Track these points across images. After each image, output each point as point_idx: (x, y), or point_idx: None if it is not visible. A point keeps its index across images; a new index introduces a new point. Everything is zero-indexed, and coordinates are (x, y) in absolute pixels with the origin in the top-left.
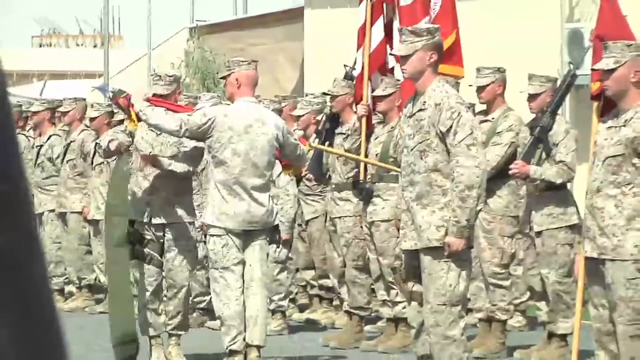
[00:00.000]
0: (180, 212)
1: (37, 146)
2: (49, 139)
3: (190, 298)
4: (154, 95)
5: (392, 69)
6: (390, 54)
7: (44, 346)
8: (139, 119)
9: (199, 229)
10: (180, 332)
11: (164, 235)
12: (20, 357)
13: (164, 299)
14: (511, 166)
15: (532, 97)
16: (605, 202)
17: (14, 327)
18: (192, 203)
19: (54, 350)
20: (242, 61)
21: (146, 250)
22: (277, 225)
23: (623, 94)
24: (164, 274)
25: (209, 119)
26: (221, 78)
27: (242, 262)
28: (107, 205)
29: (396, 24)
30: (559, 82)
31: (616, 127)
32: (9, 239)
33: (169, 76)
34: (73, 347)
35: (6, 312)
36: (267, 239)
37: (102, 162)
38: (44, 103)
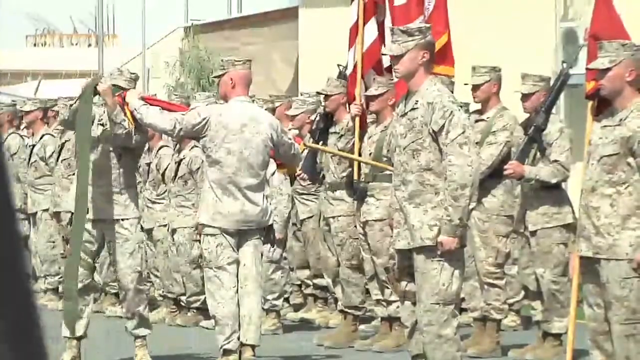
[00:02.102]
0: (121, 209)
1: (30, 146)
2: (41, 138)
3: (185, 297)
4: (121, 88)
5: (390, 67)
6: (383, 54)
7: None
8: (134, 118)
9: (194, 229)
10: (143, 333)
11: (103, 235)
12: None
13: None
14: (505, 166)
15: (525, 97)
16: (600, 201)
17: None
18: (136, 198)
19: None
20: (237, 61)
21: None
22: (272, 224)
23: (618, 93)
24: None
25: (204, 119)
26: (215, 77)
27: (237, 262)
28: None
29: (387, 24)
30: (552, 82)
31: (611, 126)
32: None
33: (131, 73)
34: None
35: None
36: (262, 238)
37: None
38: (36, 102)
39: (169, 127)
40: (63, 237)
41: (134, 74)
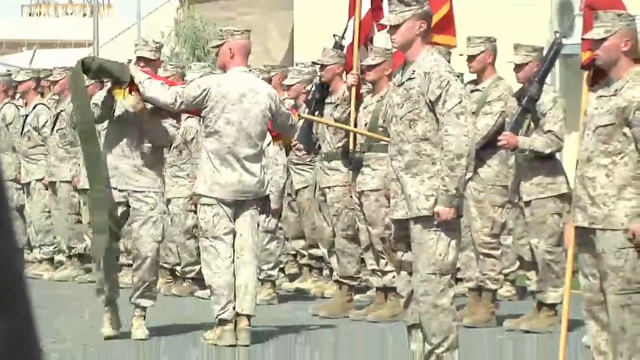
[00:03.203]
0: (146, 181)
1: (23, 116)
2: (34, 108)
3: (180, 267)
4: (139, 59)
5: (372, 38)
6: (379, 23)
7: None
8: (137, 90)
9: (188, 199)
10: (145, 304)
11: (128, 205)
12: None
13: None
14: (499, 137)
15: (518, 67)
16: (596, 171)
17: None
18: (161, 174)
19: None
20: (235, 30)
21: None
22: (268, 195)
23: (614, 63)
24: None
25: (204, 90)
26: (213, 47)
27: (233, 232)
28: (90, 193)
29: None
30: (545, 52)
31: (607, 96)
32: None
33: (156, 42)
34: (62, 315)
35: None
36: (258, 208)
37: None
38: (29, 72)
39: (170, 101)
40: (82, 203)
41: (158, 43)
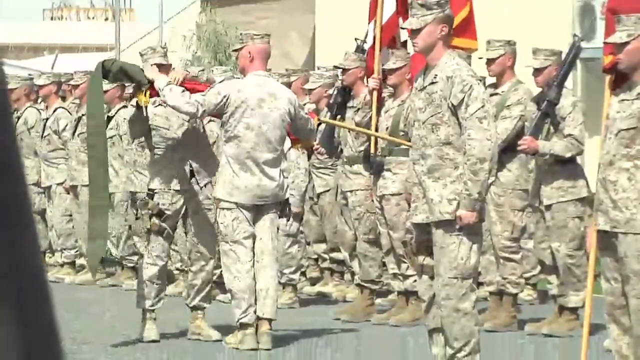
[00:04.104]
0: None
1: (43, 119)
2: (54, 111)
3: None
4: (155, 65)
5: (405, 42)
6: (402, 28)
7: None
8: (158, 96)
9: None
10: (206, 305)
11: (185, 208)
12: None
13: (190, 271)
14: (519, 142)
15: (537, 71)
16: (618, 175)
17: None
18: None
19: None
20: (255, 34)
21: (163, 224)
22: (288, 198)
23: (636, 67)
24: (179, 247)
25: (224, 96)
26: (234, 51)
27: (253, 236)
28: (90, 179)
29: None
30: (564, 55)
31: (629, 100)
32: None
33: (162, 47)
34: (83, 319)
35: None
36: (278, 212)
37: (114, 135)
38: (50, 76)
39: (192, 110)
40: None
41: (164, 47)
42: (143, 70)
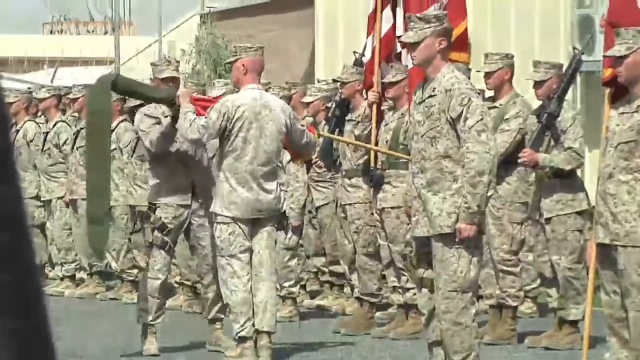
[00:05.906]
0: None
1: (43, 133)
2: (55, 125)
3: (201, 285)
4: (166, 79)
5: (399, 54)
6: (399, 41)
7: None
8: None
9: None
10: (223, 316)
11: (189, 221)
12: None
13: (202, 284)
14: (520, 155)
15: (537, 84)
16: (617, 188)
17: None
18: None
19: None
20: (249, 47)
21: (165, 238)
22: (285, 211)
23: (636, 80)
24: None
25: (223, 114)
26: (226, 63)
27: (249, 250)
28: (88, 185)
29: (399, 12)
30: (564, 68)
31: (628, 113)
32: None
33: (177, 61)
34: (83, 332)
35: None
36: (275, 225)
37: (114, 149)
38: (50, 89)
39: (197, 137)
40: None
41: (178, 61)
42: (155, 87)
